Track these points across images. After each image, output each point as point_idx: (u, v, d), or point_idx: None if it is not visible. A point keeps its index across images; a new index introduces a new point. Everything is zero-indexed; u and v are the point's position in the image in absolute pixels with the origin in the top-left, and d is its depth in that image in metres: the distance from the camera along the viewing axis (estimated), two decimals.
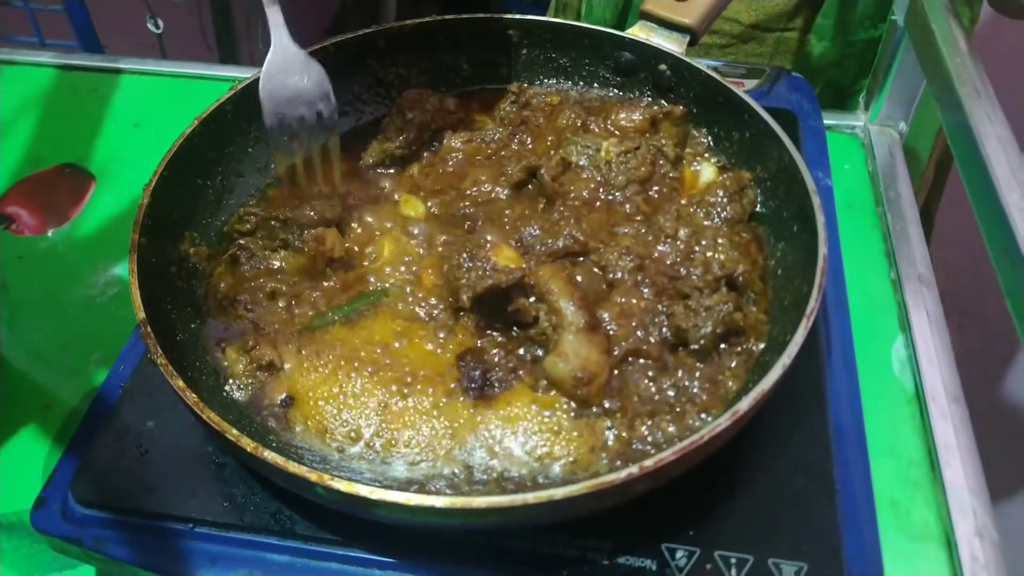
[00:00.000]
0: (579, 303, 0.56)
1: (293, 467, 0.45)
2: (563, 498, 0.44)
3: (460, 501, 0.44)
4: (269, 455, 0.46)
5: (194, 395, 0.49)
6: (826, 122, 0.82)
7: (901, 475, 0.61)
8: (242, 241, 0.65)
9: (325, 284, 0.63)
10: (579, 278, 0.60)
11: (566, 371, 0.54)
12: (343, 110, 0.77)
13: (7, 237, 0.82)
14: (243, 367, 0.57)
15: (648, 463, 0.44)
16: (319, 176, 0.66)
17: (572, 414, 0.55)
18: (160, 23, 1.29)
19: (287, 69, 0.63)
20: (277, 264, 0.64)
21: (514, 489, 0.49)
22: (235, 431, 0.47)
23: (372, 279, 0.64)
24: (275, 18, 0.62)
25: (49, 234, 0.83)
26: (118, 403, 0.59)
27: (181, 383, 0.49)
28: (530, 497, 0.44)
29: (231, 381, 0.57)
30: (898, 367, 0.68)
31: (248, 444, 0.46)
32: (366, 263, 0.65)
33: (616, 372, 0.56)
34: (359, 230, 0.67)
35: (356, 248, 0.66)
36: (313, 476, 0.45)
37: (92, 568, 0.59)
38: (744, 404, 0.47)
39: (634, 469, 0.44)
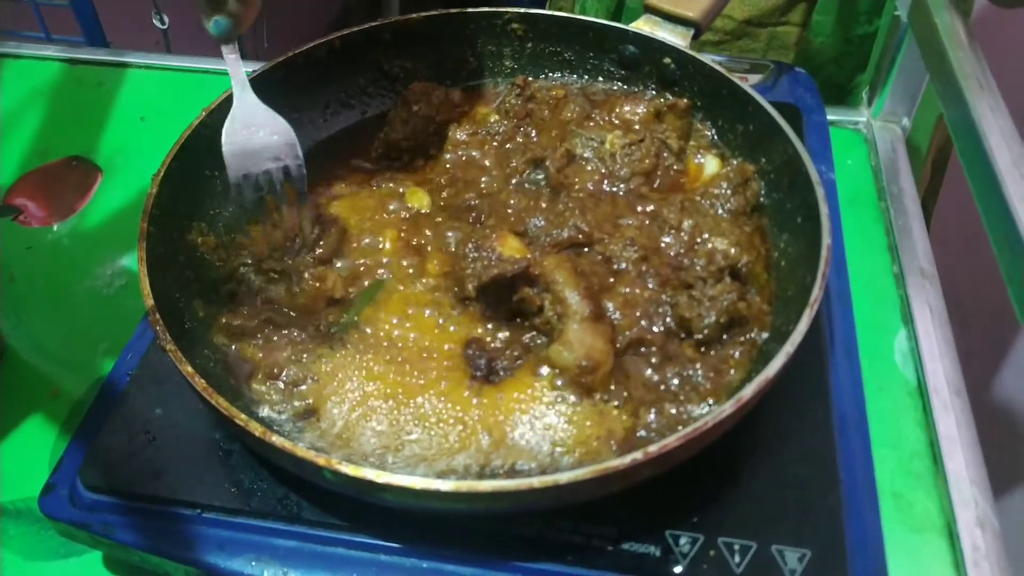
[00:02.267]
0: (584, 293, 0.56)
1: (301, 451, 0.46)
2: (568, 483, 0.44)
3: (466, 485, 0.45)
4: (277, 440, 0.46)
5: (202, 381, 0.49)
6: (829, 118, 0.83)
7: (903, 467, 0.62)
8: (243, 270, 0.63)
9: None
10: (583, 268, 0.61)
11: (571, 359, 0.55)
12: (349, 103, 0.77)
13: (14, 228, 0.83)
14: (276, 395, 0.57)
15: (653, 449, 0.45)
16: (287, 223, 0.64)
17: (578, 403, 0.55)
18: (165, 19, 1.29)
19: (251, 124, 0.60)
20: (274, 295, 0.62)
21: None
22: (243, 416, 0.47)
23: (379, 272, 0.64)
24: (237, 73, 0.61)
25: (56, 226, 0.83)
26: (126, 391, 0.60)
27: (190, 369, 0.50)
28: (535, 481, 0.44)
29: (264, 406, 0.57)
30: (900, 360, 0.69)
31: (256, 429, 0.47)
32: (372, 255, 0.65)
33: (620, 361, 0.56)
34: (365, 223, 0.67)
35: (363, 241, 0.66)
36: (321, 460, 0.45)
37: (99, 554, 0.59)
38: (748, 391, 0.47)
39: (638, 455, 0.45)
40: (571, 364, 0.55)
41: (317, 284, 0.62)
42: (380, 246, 0.66)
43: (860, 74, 0.97)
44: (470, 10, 0.77)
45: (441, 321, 0.60)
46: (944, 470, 0.61)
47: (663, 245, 0.62)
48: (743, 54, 0.98)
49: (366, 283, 0.63)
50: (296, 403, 0.56)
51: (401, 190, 0.70)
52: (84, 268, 0.78)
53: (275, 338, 0.60)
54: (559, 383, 0.56)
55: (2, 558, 0.60)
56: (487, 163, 0.71)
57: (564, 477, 0.44)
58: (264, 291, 0.62)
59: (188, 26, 1.44)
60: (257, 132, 0.61)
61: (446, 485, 0.44)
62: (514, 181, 0.69)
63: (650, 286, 0.60)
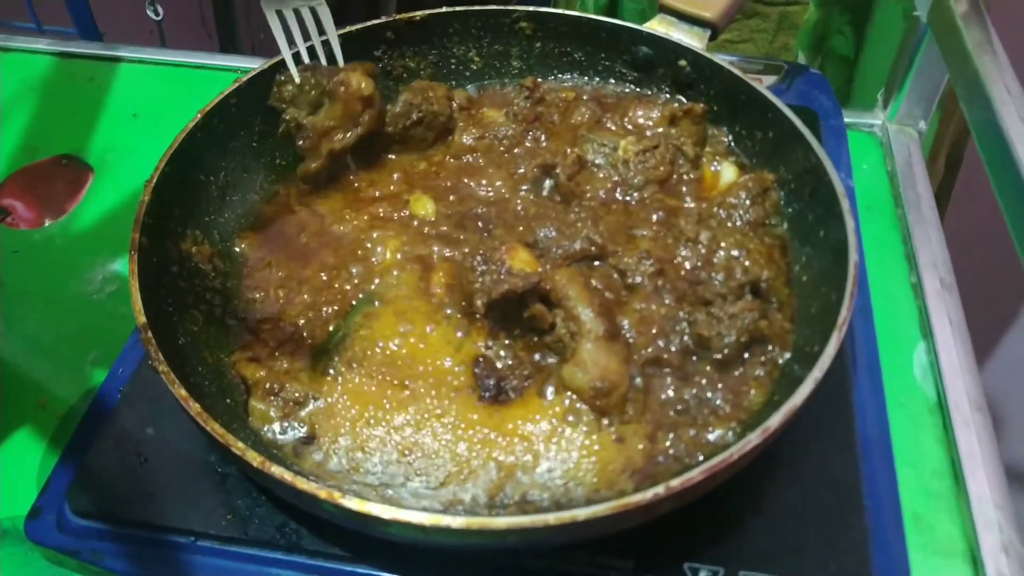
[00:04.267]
0: (598, 310, 0.54)
1: (302, 483, 0.43)
2: (586, 519, 0.42)
3: (478, 522, 0.42)
4: (277, 470, 0.44)
5: (197, 405, 0.47)
6: (845, 120, 0.81)
7: (924, 487, 0.59)
8: (287, 117, 0.68)
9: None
10: (596, 283, 0.58)
11: (585, 381, 0.52)
12: None
13: (2, 230, 0.80)
14: (275, 413, 0.54)
15: (675, 483, 0.43)
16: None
17: (592, 427, 0.53)
18: (159, 10, 1.26)
19: None
20: (325, 123, 0.67)
21: (536, 512, 0.47)
22: (240, 444, 0.45)
23: (378, 281, 0.62)
24: None
25: (46, 226, 0.80)
26: (116, 408, 0.57)
27: (184, 392, 0.47)
28: (551, 518, 0.42)
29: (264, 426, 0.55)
30: (920, 374, 0.66)
31: (255, 459, 0.44)
32: (372, 266, 0.63)
33: (636, 382, 0.54)
34: (366, 231, 0.65)
35: (363, 250, 0.64)
36: (323, 493, 0.43)
37: None
38: (775, 421, 0.45)
39: (660, 489, 0.42)
40: (585, 386, 0.52)
41: (345, 88, 0.66)
42: (380, 256, 0.63)
43: (865, 48, 0.96)
44: (475, 8, 0.75)
45: (447, 338, 0.58)
46: (966, 491, 0.59)
47: (679, 258, 0.59)
48: (754, 34, 0.97)
49: (360, 295, 0.61)
50: (296, 425, 0.54)
51: (405, 196, 0.67)
52: (74, 272, 0.76)
53: (274, 354, 0.57)
54: (572, 405, 0.53)
55: None
56: (494, 169, 0.68)
57: (583, 513, 0.42)
58: (312, 123, 0.67)
59: (182, 18, 1.41)
60: None
61: (456, 521, 0.42)
62: (523, 188, 0.67)
63: (666, 302, 0.57)
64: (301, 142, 0.67)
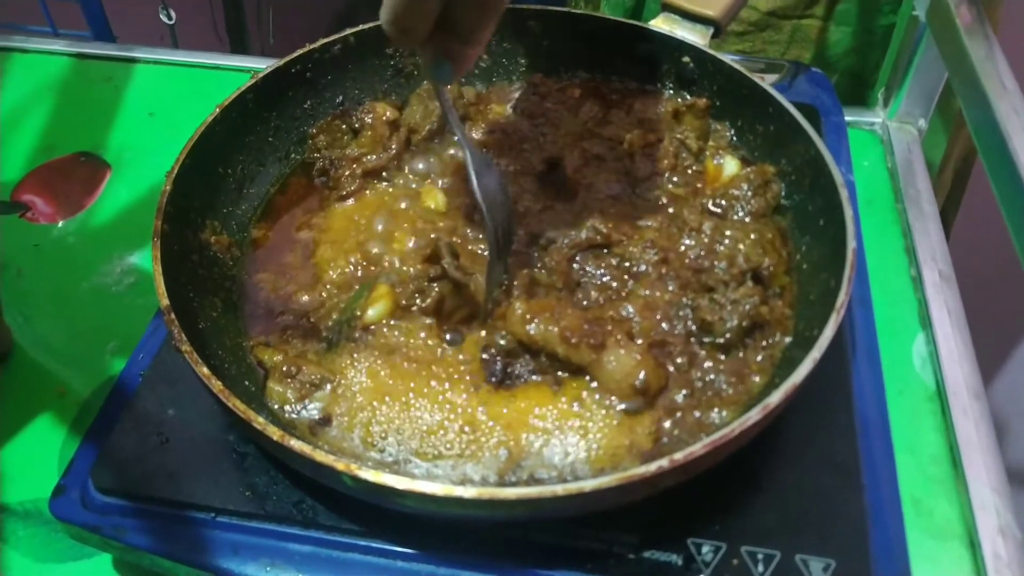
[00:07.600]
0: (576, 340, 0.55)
1: (320, 456, 0.45)
2: (592, 490, 0.43)
3: (488, 492, 0.44)
4: (296, 444, 0.45)
5: (219, 383, 0.48)
6: (845, 119, 0.82)
7: (923, 472, 0.61)
8: (317, 154, 0.72)
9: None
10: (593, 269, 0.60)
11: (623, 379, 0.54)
12: (362, 100, 0.76)
13: (22, 225, 0.82)
14: (292, 395, 0.56)
15: (678, 456, 0.44)
16: None
17: (599, 410, 0.54)
18: (172, 13, 1.29)
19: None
20: (356, 151, 0.71)
21: None
22: (261, 419, 0.47)
23: (389, 269, 0.63)
24: (453, 117, 0.60)
25: (63, 223, 0.82)
26: (138, 391, 0.59)
27: (206, 370, 0.49)
28: (559, 489, 0.43)
29: (280, 405, 0.56)
30: (919, 364, 0.68)
31: (274, 433, 0.46)
32: (384, 254, 0.64)
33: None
34: (378, 221, 0.67)
35: (376, 240, 0.65)
36: (340, 465, 0.44)
37: (109, 556, 0.59)
38: (775, 398, 0.46)
39: (664, 462, 0.44)
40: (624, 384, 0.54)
41: (372, 117, 0.71)
42: (390, 245, 0.65)
43: (880, 66, 0.96)
44: None
45: (455, 328, 0.59)
46: (964, 476, 0.60)
47: (683, 247, 0.61)
48: (767, 46, 0.97)
49: (371, 282, 0.62)
50: (312, 406, 0.55)
51: (416, 188, 0.69)
52: (92, 265, 0.78)
53: (290, 339, 0.59)
54: (580, 390, 0.55)
55: (11, 560, 0.59)
56: (503, 163, 0.70)
57: (589, 485, 0.43)
58: (343, 155, 0.70)
59: (194, 22, 1.44)
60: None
61: (468, 492, 0.44)
62: (531, 182, 0.68)
63: (670, 289, 0.59)
64: (336, 172, 0.70)
